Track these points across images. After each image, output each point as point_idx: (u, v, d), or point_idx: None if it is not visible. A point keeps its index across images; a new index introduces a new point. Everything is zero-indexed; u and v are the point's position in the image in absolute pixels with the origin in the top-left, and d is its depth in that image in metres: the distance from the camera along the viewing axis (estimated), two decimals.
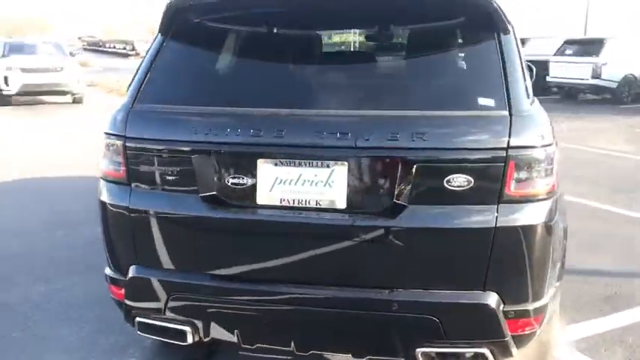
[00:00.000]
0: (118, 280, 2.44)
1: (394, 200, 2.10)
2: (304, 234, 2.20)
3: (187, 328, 2.34)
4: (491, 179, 2.06)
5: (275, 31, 2.57)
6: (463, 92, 2.22)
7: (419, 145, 2.06)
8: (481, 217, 2.07)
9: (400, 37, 2.60)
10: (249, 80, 2.40)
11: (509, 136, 2.06)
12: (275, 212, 2.20)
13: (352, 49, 2.42)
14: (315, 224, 2.17)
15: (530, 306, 2.20)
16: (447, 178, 2.06)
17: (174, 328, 2.37)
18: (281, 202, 2.19)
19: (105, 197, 2.41)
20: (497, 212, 2.07)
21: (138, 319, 2.44)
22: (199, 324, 2.33)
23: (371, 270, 2.17)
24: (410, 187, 2.09)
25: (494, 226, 2.07)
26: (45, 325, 3.32)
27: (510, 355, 2.28)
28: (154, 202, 2.30)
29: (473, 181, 2.06)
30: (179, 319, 2.35)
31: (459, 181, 2.06)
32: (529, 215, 2.10)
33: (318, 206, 2.16)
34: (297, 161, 2.16)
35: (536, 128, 2.13)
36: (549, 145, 2.15)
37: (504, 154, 2.05)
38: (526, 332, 2.23)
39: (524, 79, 2.25)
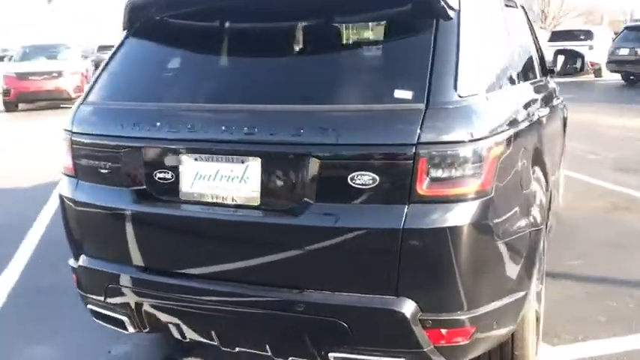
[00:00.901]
0: (74, 269, 2.56)
1: (300, 198, 2.04)
2: (221, 230, 2.18)
3: (124, 318, 2.40)
4: (400, 177, 1.94)
5: (201, 30, 2.58)
6: (379, 85, 2.13)
7: (323, 141, 1.99)
8: (388, 217, 1.95)
9: (319, 31, 2.51)
10: (177, 77, 2.46)
11: (420, 131, 1.92)
12: (195, 207, 2.20)
13: (272, 44, 2.37)
14: (231, 221, 2.15)
15: (457, 316, 2.04)
16: (351, 176, 1.96)
17: (114, 317, 2.44)
18: (201, 198, 2.18)
19: (61, 190, 2.53)
20: (407, 212, 1.94)
21: (89, 306, 2.54)
22: (133, 314, 2.38)
23: (280, 269, 2.11)
24: (316, 184, 2.01)
25: (401, 227, 1.94)
26: None
27: None
28: (94, 196, 2.38)
29: (379, 179, 1.95)
30: (117, 309, 2.41)
31: (364, 179, 1.95)
32: (448, 217, 1.95)
33: (235, 202, 2.13)
34: (214, 156, 2.15)
35: (462, 122, 1.98)
36: (478, 140, 1.98)
37: (413, 151, 1.92)
38: (454, 344, 2.07)
39: (471, 69, 2.11)
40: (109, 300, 2.41)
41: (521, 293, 2.31)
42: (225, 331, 2.27)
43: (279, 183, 2.09)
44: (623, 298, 3.62)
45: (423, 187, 1.93)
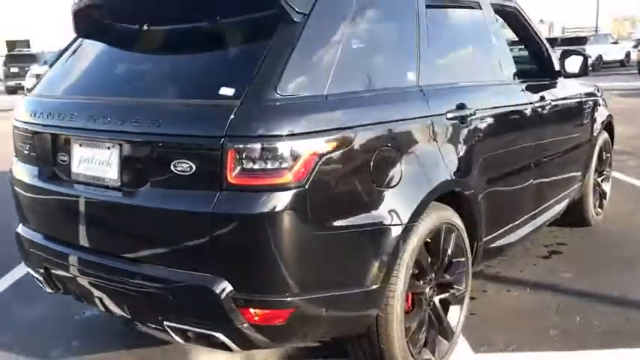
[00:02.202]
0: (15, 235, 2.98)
1: (141, 182, 2.30)
2: (94, 207, 2.49)
3: (41, 278, 2.80)
4: (212, 167, 2.12)
5: (99, 34, 2.87)
6: (210, 82, 2.29)
7: (153, 131, 2.23)
8: (202, 202, 2.14)
9: (167, 33, 2.70)
10: (81, 74, 2.80)
11: (229, 125, 2.09)
12: (79, 187, 2.54)
13: (134, 46, 2.63)
14: (100, 200, 2.45)
15: (270, 298, 2.19)
16: (174, 163, 2.18)
17: (36, 277, 2.86)
18: (84, 179, 2.53)
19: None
20: (217, 198, 2.13)
21: (26, 268, 2.99)
22: (45, 276, 2.77)
23: (126, 244, 2.38)
24: (150, 170, 2.27)
25: (211, 211, 2.13)
26: None
27: (256, 345, 2.30)
28: (22, 173, 2.80)
29: (195, 167, 2.15)
30: (36, 270, 2.82)
31: (183, 166, 2.17)
32: (255, 205, 2.10)
33: (104, 183, 2.45)
34: (91, 142, 2.48)
35: (275, 120, 2.12)
36: (290, 136, 2.11)
37: (221, 143, 2.09)
38: (269, 324, 2.22)
39: (306, 71, 2.25)
40: (30, 262, 2.83)
41: (370, 288, 2.38)
42: (99, 297, 2.58)
43: (129, 168, 2.37)
44: (593, 315, 3.43)
45: (232, 176, 2.11)
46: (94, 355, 3.12)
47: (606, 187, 5.26)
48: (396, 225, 2.44)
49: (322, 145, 2.19)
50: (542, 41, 4.09)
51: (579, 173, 4.51)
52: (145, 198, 2.29)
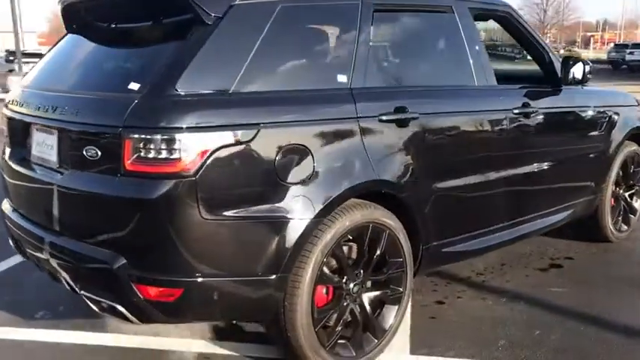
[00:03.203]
0: None
1: (66, 164, 2.58)
2: (42, 186, 2.80)
3: (16, 247, 3.17)
4: (112, 153, 2.36)
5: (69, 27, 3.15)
6: (125, 78, 2.50)
7: (71, 120, 2.52)
8: (103, 186, 2.40)
9: (101, 33, 2.92)
10: (48, 65, 3.11)
11: (127, 117, 2.31)
12: (36, 167, 2.86)
13: (81, 46, 2.90)
14: (46, 180, 2.75)
15: (160, 276, 2.40)
16: (85, 149, 2.45)
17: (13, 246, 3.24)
18: (37, 160, 2.85)
19: None
20: (115, 183, 2.36)
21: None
22: (16, 245, 3.12)
23: (59, 219, 2.66)
24: (72, 154, 2.54)
25: (110, 194, 2.37)
26: None
27: (153, 319, 2.51)
28: (7, 156, 3.17)
29: (100, 153, 2.40)
30: (12, 240, 3.18)
31: (92, 152, 2.43)
32: (147, 190, 2.31)
33: (49, 165, 2.75)
34: (42, 128, 2.79)
35: (169, 114, 2.31)
36: (182, 129, 2.30)
37: (119, 133, 2.32)
38: (162, 300, 2.42)
39: (210, 70, 2.43)
40: (8, 234, 3.21)
41: (268, 277, 2.52)
42: (47, 268, 2.87)
43: (62, 152, 2.65)
44: (556, 331, 3.32)
45: (128, 163, 2.33)
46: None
47: (636, 202, 4.97)
48: (300, 219, 2.55)
49: (217, 139, 2.35)
50: (542, 47, 3.98)
51: (589, 184, 4.32)
52: (68, 179, 2.57)
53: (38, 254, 2.83)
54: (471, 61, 3.39)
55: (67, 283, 2.76)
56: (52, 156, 2.72)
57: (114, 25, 2.89)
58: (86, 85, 2.72)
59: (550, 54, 3.99)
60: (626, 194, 4.87)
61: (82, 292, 2.62)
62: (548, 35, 70.19)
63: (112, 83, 2.59)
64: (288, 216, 2.53)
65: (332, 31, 2.91)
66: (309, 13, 2.82)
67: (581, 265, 4.38)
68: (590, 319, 3.48)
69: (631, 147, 4.71)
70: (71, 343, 3.18)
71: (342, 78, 2.80)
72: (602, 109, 4.32)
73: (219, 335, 3.21)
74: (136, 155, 2.32)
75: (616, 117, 4.46)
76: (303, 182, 2.56)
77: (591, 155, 4.26)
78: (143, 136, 2.30)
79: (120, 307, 2.49)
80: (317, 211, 2.59)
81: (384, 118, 2.86)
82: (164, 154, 2.30)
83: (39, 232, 2.79)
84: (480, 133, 3.37)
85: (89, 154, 2.44)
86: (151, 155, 2.31)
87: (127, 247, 2.41)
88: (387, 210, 2.93)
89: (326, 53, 2.89)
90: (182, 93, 2.36)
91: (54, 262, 2.69)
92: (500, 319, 3.49)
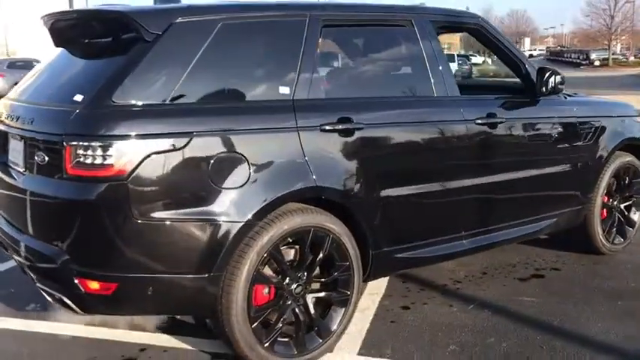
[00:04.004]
0: None
1: (26, 168, 2.85)
2: (12, 188, 3.07)
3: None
4: (56, 159, 2.62)
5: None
6: (74, 90, 2.74)
7: (30, 128, 2.81)
8: (50, 188, 2.66)
9: (73, 47, 3.16)
10: (28, 79, 3.39)
11: (68, 127, 2.58)
12: (11, 171, 3.14)
13: (53, 61, 3.18)
14: (14, 184, 3.01)
15: (97, 272, 2.63)
16: (37, 154, 2.72)
17: None
18: (12, 165, 3.14)
19: None
20: (59, 185, 2.61)
21: None
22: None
23: (22, 218, 2.92)
24: (30, 158, 2.82)
25: (53, 195, 2.63)
26: None
27: (95, 310, 2.76)
28: None
29: (47, 158, 2.67)
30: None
31: (41, 157, 2.70)
32: (83, 192, 2.56)
33: (18, 168, 3.04)
34: (14, 136, 3.08)
35: (102, 123, 2.55)
36: (115, 137, 2.52)
37: (61, 140, 2.57)
38: (99, 293, 2.65)
39: (145, 83, 2.65)
40: None
41: (200, 275, 2.71)
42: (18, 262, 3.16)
43: (26, 157, 2.92)
44: (510, 339, 3.36)
45: (69, 168, 2.57)
46: None
47: (634, 214, 4.88)
48: (233, 222, 2.73)
49: (149, 146, 2.57)
50: (518, 58, 4.02)
51: (573, 194, 4.29)
52: (26, 182, 2.85)
53: (12, 251, 3.13)
54: (430, 73, 3.48)
55: (29, 276, 3.04)
56: (20, 161, 3.00)
57: (73, 43, 3.16)
58: (44, 96, 2.99)
59: (526, 65, 4.02)
60: (622, 206, 4.80)
61: (38, 284, 2.88)
62: (618, 42, 68.00)
63: (62, 95, 2.84)
64: (221, 219, 2.71)
65: (277, 46, 3.08)
66: (253, 29, 3.00)
67: (564, 277, 4.36)
68: (549, 329, 3.50)
69: (625, 158, 4.65)
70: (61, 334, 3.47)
71: (284, 90, 2.97)
72: (586, 120, 4.30)
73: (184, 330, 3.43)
74: (75, 160, 2.56)
75: (604, 128, 4.42)
76: (237, 187, 2.74)
77: (573, 166, 4.24)
78: (81, 143, 2.55)
79: (66, 299, 2.74)
80: (250, 215, 2.76)
81: (326, 128, 3.01)
82: (99, 160, 2.53)
83: (10, 231, 3.08)
84: (432, 143, 3.44)
85: (39, 159, 2.71)
86: (89, 161, 2.55)
87: (70, 245, 2.65)
88: (332, 215, 3.07)
89: (269, 67, 3.05)
90: (118, 104, 2.59)
91: (18, 258, 2.97)
92: (459, 325, 3.55)
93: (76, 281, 2.65)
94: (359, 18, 3.40)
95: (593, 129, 4.34)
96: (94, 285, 2.65)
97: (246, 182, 2.77)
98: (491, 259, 4.65)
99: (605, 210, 4.65)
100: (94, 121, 2.57)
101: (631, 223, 4.86)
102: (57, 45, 3.27)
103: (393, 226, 3.31)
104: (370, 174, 3.16)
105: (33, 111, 2.89)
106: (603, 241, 4.63)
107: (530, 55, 63.53)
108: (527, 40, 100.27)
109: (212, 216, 2.70)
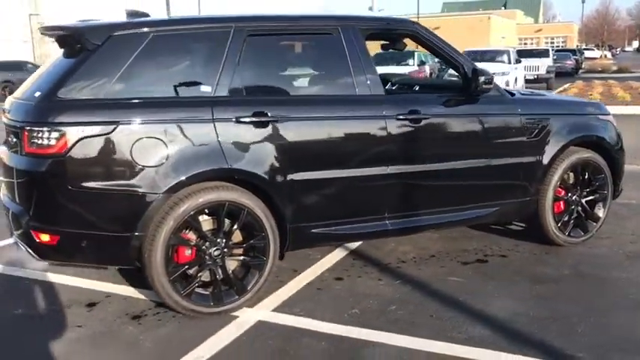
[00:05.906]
0: None
1: (9, 149, 3.73)
2: (10, 172, 3.93)
3: None
4: (20, 141, 3.46)
5: None
6: (38, 89, 3.55)
7: (9, 117, 3.65)
8: (16, 161, 3.51)
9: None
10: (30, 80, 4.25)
11: (24, 116, 3.43)
12: (6, 151, 4.04)
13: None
14: (6, 161, 3.90)
15: (44, 226, 3.46)
16: (10, 137, 3.59)
17: None
18: (6, 147, 4.03)
19: None
20: (18, 160, 3.47)
21: None
22: None
23: (8, 187, 3.81)
24: (11, 141, 3.68)
25: (18, 167, 3.49)
26: None
27: (47, 257, 3.59)
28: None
29: (16, 140, 3.52)
30: None
31: (14, 140, 3.56)
32: (33, 165, 3.40)
33: (8, 149, 3.91)
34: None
35: (47, 113, 3.34)
36: (55, 124, 3.31)
37: (22, 126, 3.41)
38: (49, 244, 3.47)
39: (79, 83, 3.41)
40: None
41: (123, 234, 3.46)
42: None
43: (10, 141, 3.79)
44: (408, 307, 3.83)
45: (26, 147, 3.41)
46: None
47: (599, 209, 5.06)
48: (152, 193, 3.45)
49: (83, 131, 3.34)
50: (455, 59, 4.41)
51: (517, 185, 4.57)
52: (10, 159, 3.69)
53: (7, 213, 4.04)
54: (353, 75, 4.00)
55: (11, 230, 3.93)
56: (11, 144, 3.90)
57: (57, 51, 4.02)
58: (25, 94, 3.85)
59: (464, 66, 4.39)
60: (583, 200, 5.00)
61: (14, 236, 3.77)
62: None
63: (30, 92, 3.68)
64: (140, 190, 3.45)
65: (202, 52, 3.76)
66: (181, 39, 3.70)
67: (506, 263, 4.66)
68: (451, 303, 3.91)
69: (583, 154, 4.86)
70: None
71: (206, 89, 3.65)
72: (531, 117, 4.58)
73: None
74: (30, 141, 3.39)
75: (553, 125, 4.67)
76: (155, 166, 3.46)
77: (516, 159, 4.55)
78: (34, 128, 3.38)
79: (27, 247, 3.59)
80: (166, 188, 3.47)
81: (243, 119, 3.65)
82: (45, 141, 3.35)
83: (5, 200, 3.99)
84: (347, 135, 3.96)
85: (14, 141, 3.58)
86: (38, 142, 3.37)
87: (29, 205, 3.50)
88: (248, 192, 3.70)
89: (194, 70, 3.74)
90: (62, 98, 3.39)
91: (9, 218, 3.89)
92: (374, 295, 4.04)
93: (32, 233, 3.49)
94: (284, 28, 4.00)
95: (539, 126, 4.61)
96: (45, 237, 3.47)
97: (164, 163, 3.47)
98: (450, 245, 5.05)
99: (561, 203, 4.89)
100: (41, 112, 3.40)
101: (594, 218, 5.04)
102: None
103: (307, 204, 3.88)
104: (283, 159, 3.75)
105: (14, 105, 3.76)
106: (557, 232, 4.86)
107: None
108: None
109: (133, 188, 3.44)
